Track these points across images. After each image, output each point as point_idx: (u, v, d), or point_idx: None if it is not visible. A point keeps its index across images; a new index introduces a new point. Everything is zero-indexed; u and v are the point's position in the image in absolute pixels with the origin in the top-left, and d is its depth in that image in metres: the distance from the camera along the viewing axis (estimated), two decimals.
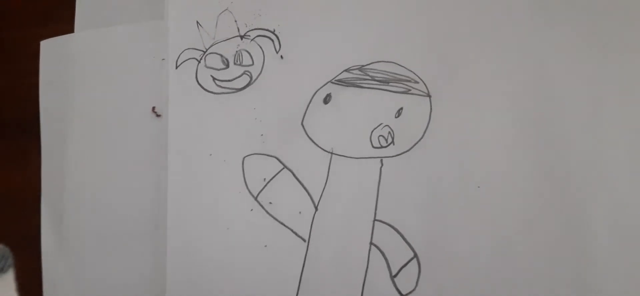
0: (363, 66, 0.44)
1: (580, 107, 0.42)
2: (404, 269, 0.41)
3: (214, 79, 0.45)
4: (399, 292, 0.41)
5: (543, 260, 0.40)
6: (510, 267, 0.40)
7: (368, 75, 0.44)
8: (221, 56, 0.45)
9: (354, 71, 0.44)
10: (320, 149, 0.43)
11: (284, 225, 0.42)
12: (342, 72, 0.44)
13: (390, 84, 0.43)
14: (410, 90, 0.43)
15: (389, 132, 0.43)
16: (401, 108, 0.43)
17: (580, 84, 0.42)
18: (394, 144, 0.42)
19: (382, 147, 0.43)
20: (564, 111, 0.42)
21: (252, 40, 0.45)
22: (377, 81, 0.44)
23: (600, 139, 0.41)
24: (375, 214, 0.42)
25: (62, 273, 0.44)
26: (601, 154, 0.41)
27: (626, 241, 0.39)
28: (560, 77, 0.42)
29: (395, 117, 0.43)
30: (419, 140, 0.42)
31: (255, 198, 0.43)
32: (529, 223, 0.40)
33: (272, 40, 0.45)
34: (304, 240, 0.42)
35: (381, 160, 0.42)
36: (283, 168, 0.43)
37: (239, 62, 0.45)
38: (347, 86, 0.44)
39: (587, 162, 0.41)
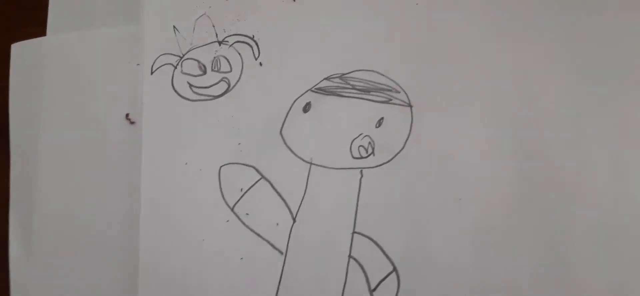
0: (344, 74, 0.43)
1: (563, 119, 0.42)
2: (383, 283, 0.40)
3: (190, 85, 0.44)
4: None
5: (524, 273, 0.40)
6: (491, 281, 0.40)
7: (349, 84, 0.43)
8: (198, 61, 0.44)
9: (335, 80, 0.43)
10: (299, 159, 0.42)
11: (261, 237, 0.41)
12: (322, 80, 0.43)
13: (371, 93, 0.43)
14: (391, 99, 0.43)
15: (369, 143, 0.42)
16: (382, 118, 0.42)
17: (563, 95, 0.42)
18: (374, 154, 0.42)
19: (362, 157, 0.42)
20: (547, 123, 0.42)
21: (230, 46, 0.44)
22: (358, 90, 0.43)
23: (583, 151, 0.41)
24: (354, 226, 0.41)
25: (30, 281, 0.43)
26: (584, 167, 0.41)
27: (608, 254, 0.40)
28: (543, 88, 0.42)
29: (376, 127, 0.42)
30: (400, 151, 0.42)
31: (232, 209, 0.42)
32: (510, 236, 0.40)
33: (251, 47, 0.44)
34: (282, 253, 0.41)
35: (361, 171, 0.42)
36: (261, 178, 0.42)
37: (216, 69, 0.44)
38: (327, 94, 0.43)
39: (570, 175, 0.41)
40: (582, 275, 0.39)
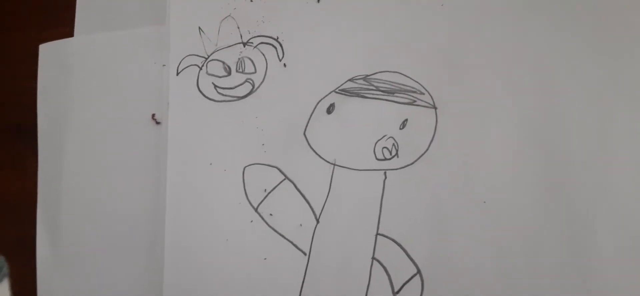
0: (367, 75, 0.43)
1: (587, 122, 0.41)
2: (406, 285, 0.40)
3: (215, 86, 0.44)
4: None
5: (548, 277, 0.39)
6: (515, 285, 0.39)
7: (372, 85, 0.43)
8: (223, 62, 0.44)
9: (358, 81, 0.43)
10: (322, 160, 0.42)
11: (285, 238, 0.41)
12: (346, 81, 0.43)
13: (395, 94, 0.43)
14: (415, 101, 0.42)
15: (393, 144, 0.42)
16: (406, 120, 0.42)
17: (588, 96, 0.42)
18: (398, 156, 0.42)
19: (385, 159, 0.42)
20: (571, 126, 0.41)
21: (255, 47, 0.45)
22: (382, 91, 0.43)
23: (608, 153, 0.41)
24: (378, 228, 0.41)
25: (57, 281, 0.43)
26: (609, 169, 0.40)
27: (634, 259, 0.39)
28: (568, 89, 0.42)
29: (400, 129, 0.42)
30: (424, 153, 0.42)
31: (256, 209, 0.42)
32: (534, 239, 0.40)
33: (275, 48, 0.44)
34: (305, 253, 0.41)
35: (385, 173, 0.42)
36: (284, 179, 0.42)
37: (241, 70, 0.44)
38: (350, 96, 0.43)
39: (594, 178, 0.40)
40: (606, 280, 0.39)
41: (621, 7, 0.43)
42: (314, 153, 0.42)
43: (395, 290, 0.40)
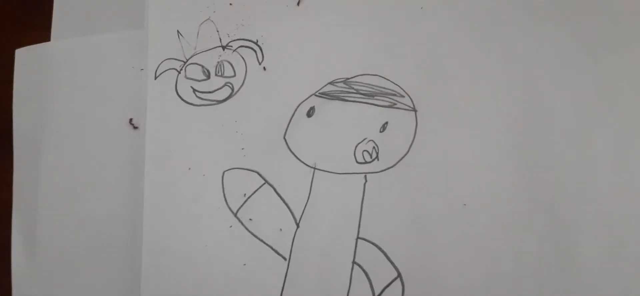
0: (348, 78, 0.43)
1: (568, 123, 0.42)
2: (387, 289, 0.40)
3: (194, 90, 0.44)
4: None
5: (530, 280, 0.39)
6: (497, 288, 0.39)
7: (353, 88, 0.43)
8: (202, 66, 0.44)
9: (339, 84, 0.43)
10: (302, 164, 0.42)
11: (264, 243, 0.41)
12: (326, 84, 0.43)
13: (376, 97, 0.43)
14: (395, 104, 0.42)
15: (374, 147, 0.42)
16: (386, 122, 0.42)
17: (570, 98, 0.42)
18: (378, 159, 0.42)
19: (366, 162, 0.41)
20: (552, 128, 0.41)
21: (234, 51, 0.44)
22: (362, 94, 0.43)
23: (589, 155, 0.41)
24: (358, 232, 0.41)
25: (33, 289, 0.42)
26: (591, 171, 0.41)
27: (615, 258, 0.39)
28: (550, 91, 0.42)
29: (380, 131, 0.42)
30: (404, 156, 0.42)
31: (235, 214, 0.41)
32: (516, 242, 0.40)
33: (255, 51, 0.44)
34: (285, 259, 0.41)
35: (365, 176, 0.41)
36: (264, 183, 0.42)
37: (220, 74, 0.44)
38: (331, 99, 0.43)
39: (576, 180, 0.40)
40: (588, 280, 0.39)
41: (604, 11, 0.43)
42: (294, 157, 0.42)
43: (376, 293, 0.40)
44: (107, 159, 0.43)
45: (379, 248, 0.40)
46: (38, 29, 0.46)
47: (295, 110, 0.43)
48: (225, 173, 0.42)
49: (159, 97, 0.44)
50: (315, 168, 0.42)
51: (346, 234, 0.41)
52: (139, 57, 0.45)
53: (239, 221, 0.41)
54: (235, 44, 0.44)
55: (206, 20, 0.45)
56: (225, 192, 0.42)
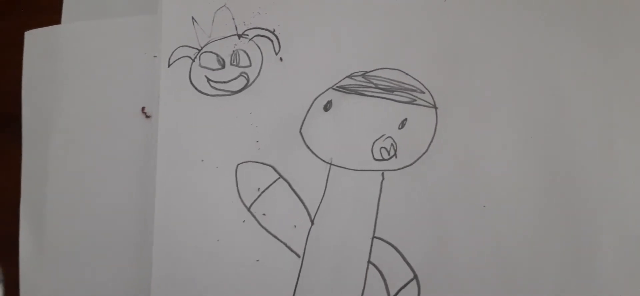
0: (366, 72, 0.42)
1: (591, 126, 0.41)
2: (402, 290, 0.39)
3: (208, 79, 0.43)
4: None
5: (549, 282, 0.39)
6: (515, 291, 0.39)
7: (371, 82, 0.42)
8: (217, 55, 0.43)
9: (357, 78, 0.42)
10: (318, 159, 0.41)
11: (278, 239, 0.40)
12: (344, 78, 0.42)
13: (395, 93, 0.41)
14: (415, 100, 0.41)
15: (392, 144, 0.41)
16: (405, 119, 0.41)
17: (591, 97, 0.41)
18: (396, 157, 0.41)
19: (383, 159, 0.41)
20: (574, 130, 0.41)
21: (250, 40, 0.43)
22: (381, 89, 0.42)
23: (611, 155, 0.40)
24: (374, 230, 0.40)
25: (41, 280, 0.42)
26: (611, 171, 0.40)
27: (636, 265, 0.39)
28: (572, 90, 0.41)
29: (399, 128, 0.41)
30: (423, 154, 0.41)
31: (248, 209, 0.41)
32: (534, 245, 0.39)
33: (272, 41, 0.43)
34: (299, 256, 0.40)
35: (382, 173, 0.40)
36: (278, 178, 0.41)
37: (235, 63, 0.43)
38: (349, 93, 0.42)
39: (597, 183, 0.40)
40: (608, 286, 0.38)
41: (626, 7, 0.42)
42: (309, 152, 0.41)
43: (391, 294, 0.39)
44: (117, 148, 0.43)
45: (395, 248, 0.39)
46: (48, 11, 0.45)
47: (312, 103, 0.42)
48: (239, 166, 0.41)
49: (172, 86, 0.43)
50: (331, 164, 0.41)
51: (362, 233, 0.40)
52: (152, 44, 0.44)
53: (253, 216, 0.40)
54: (251, 33, 0.43)
55: (222, 7, 0.44)
56: (238, 186, 0.41)
